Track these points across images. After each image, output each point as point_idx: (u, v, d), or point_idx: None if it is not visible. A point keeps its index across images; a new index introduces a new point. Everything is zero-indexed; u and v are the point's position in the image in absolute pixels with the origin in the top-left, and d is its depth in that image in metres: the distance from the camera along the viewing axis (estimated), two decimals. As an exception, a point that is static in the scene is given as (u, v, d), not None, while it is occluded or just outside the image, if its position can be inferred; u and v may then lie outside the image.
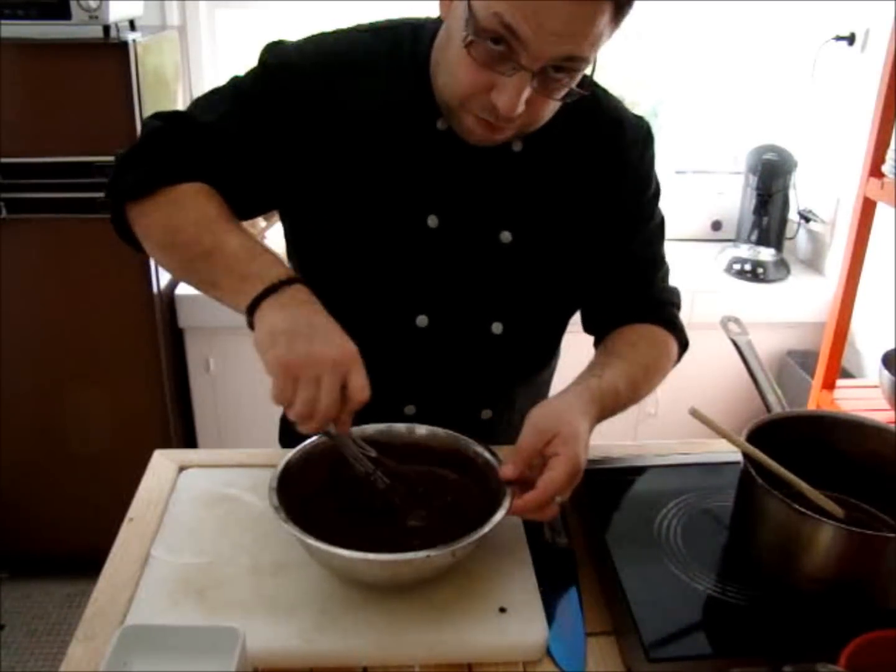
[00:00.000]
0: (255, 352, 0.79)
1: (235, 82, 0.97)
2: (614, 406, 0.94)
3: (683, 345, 1.09)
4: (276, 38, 0.97)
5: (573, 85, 0.84)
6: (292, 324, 0.78)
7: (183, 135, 0.92)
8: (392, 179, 0.95)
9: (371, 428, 0.91)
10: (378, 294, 0.99)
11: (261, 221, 2.17)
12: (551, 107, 0.87)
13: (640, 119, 1.04)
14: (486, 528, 0.77)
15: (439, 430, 0.92)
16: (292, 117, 0.93)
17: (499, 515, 0.78)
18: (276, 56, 0.95)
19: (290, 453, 0.86)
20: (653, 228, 1.07)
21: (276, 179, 0.96)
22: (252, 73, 0.96)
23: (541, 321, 1.07)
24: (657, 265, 1.09)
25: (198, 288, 0.90)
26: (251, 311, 0.80)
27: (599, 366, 0.97)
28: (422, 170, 0.95)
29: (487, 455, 0.87)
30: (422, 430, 0.92)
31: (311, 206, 0.98)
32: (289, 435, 1.19)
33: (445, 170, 0.95)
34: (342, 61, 0.93)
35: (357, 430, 0.90)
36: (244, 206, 0.95)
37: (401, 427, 0.93)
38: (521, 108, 0.82)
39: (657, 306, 1.08)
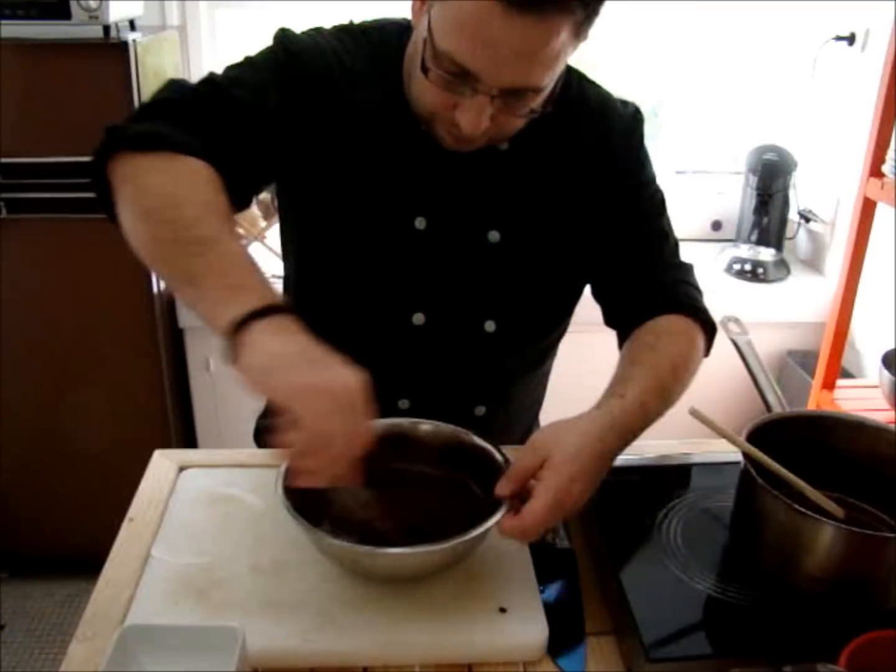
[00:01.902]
0: (245, 380, 0.69)
1: (258, 60, 0.91)
2: (644, 422, 0.87)
3: (710, 329, 1.00)
4: (284, 26, 0.95)
5: (539, 101, 0.84)
6: (301, 348, 0.68)
7: (215, 104, 0.85)
8: (379, 181, 0.95)
9: (379, 423, 0.91)
10: (374, 292, 1.00)
11: (261, 221, 2.17)
12: (520, 120, 0.87)
13: (626, 104, 1.03)
14: (484, 528, 0.77)
15: (443, 426, 0.92)
16: (308, 103, 0.91)
17: (498, 515, 0.78)
18: (295, 41, 0.93)
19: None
20: (651, 207, 1.05)
21: (292, 159, 0.93)
22: (273, 55, 0.92)
23: (533, 319, 1.06)
24: (661, 241, 1.04)
25: (167, 277, 0.78)
26: (236, 327, 0.69)
27: (622, 382, 0.89)
28: (408, 172, 0.95)
29: (495, 452, 0.88)
30: (426, 425, 0.92)
31: (310, 199, 0.98)
32: (265, 435, 1.18)
33: (431, 171, 0.95)
34: (340, 59, 0.93)
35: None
36: (263, 175, 0.92)
37: (404, 422, 0.93)
38: (484, 124, 0.83)
39: (671, 286, 1.01)
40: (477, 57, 0.77)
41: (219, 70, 0.91)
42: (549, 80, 0.82)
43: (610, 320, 1.09)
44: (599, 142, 1.00)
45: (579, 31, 0.78)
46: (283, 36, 0.93)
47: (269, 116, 0.88)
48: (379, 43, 0.95)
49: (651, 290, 1.01)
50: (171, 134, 0.80)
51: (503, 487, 0.79)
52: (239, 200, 0.86)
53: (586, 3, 0.76)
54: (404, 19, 0.97)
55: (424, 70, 0.82)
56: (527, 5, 0.73)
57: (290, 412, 0.66)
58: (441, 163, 0.94)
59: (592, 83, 1.02)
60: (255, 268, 0.75)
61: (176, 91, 0.86)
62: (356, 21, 0.99)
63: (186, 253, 0.74)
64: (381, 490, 0.86)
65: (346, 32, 0.96)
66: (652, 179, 1.06)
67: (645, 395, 0.87)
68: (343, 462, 0.68)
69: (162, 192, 0.77)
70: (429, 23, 0.80)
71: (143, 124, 0.81)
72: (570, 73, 0.98)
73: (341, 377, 0.68)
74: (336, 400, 0.67)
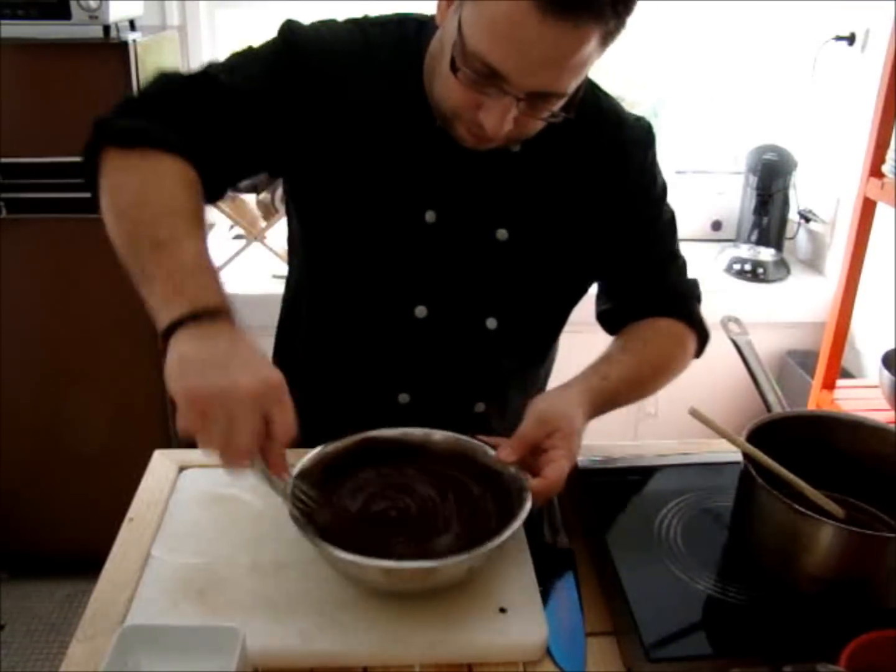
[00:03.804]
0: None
1: (257, 50, 0.94)
2: (613, 406, 0.98)
3: (703, 338, 1.09)
4: (291, 18, 0.96)
5: (559, 104, 0.85)
6: (207, 353, 0.69)
7: (201, 93, 0.88)
8: (391, 173, 0.96)
9: (388, 432, 0.91)
10: (378, 283, 1.00)
11: (261, 222, 2.17)
12: (540, 123, 0.88)
13: (640, 119, 1.05)
14: (503, 537, 0.76)
15: (454, 436, 0.91)
16: (307, 95, 0.92)
17: (514, 526, 0.77)
18: (297, 33, 0.94)
19: (304, 459, 0.86)
20: (661, 227, 1.07)
21: (287, 149, 0.95)
22: (273, 45, 0.94)
23: (535, 319, 1.07)
24: (669, 261, 1.09)
25: (131, 274, 0.80)
26: (167, 334, 0.72)
27: (607, 364, 1.00)
28: (421, 165, 0.96)
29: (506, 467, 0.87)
30: (437, 435, 0.92)
31: (316, 191, 0.99)
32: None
33: (444, 166, 0.96)
34: (350, 51, 0.94)
35: (374, 433, 0.91)
36: (249, 164, 0.94)
37: (417, 432, 0.92)
38: (507, 126, 0.84)
39: (675, 299, 1.08)
40: (509, 59, 0.78)
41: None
42: (574, 86, 0.83)
43: (605, 322, 1.12)
44: (613, 156, 1.01)
45: (606, 40, 0.80)
46: (287, 27, 0.94)
47: (259, 101, 0.90)
48: (398, 37, 0.96)
49: (656, 300, 1.07)
50: (151, 130, 0.83)
51: (509, 454, 0.86)
52: (217, 190, 0.91)
53: (618, 13, 0.77)
54: (422, 15, 0.98)
55: (454, 69, 0.82)
56: (565, 12, 0.74)
57: (183, 415, 0.68)
58: (453, 158, 0.95)
59: (605, 93, 1.03)
60: (204, 270, 0.76)
61: (164, 84, 0.90)
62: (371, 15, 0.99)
63: (145, 253, 0.78)
64: (392, 498, 0.86)
65: (362, 25, 0.97)
66: (663, 197, 1.08)
67: (622, 385, 0.98)
68: (247, 445, 0.68)
69: (131, 190, 0.82)
70: (459, 22, 0.80)
71: (127, 120, 0.85)
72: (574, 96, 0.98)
73: (238, 380, 0.68)
74: (229, 403, 0.67)
